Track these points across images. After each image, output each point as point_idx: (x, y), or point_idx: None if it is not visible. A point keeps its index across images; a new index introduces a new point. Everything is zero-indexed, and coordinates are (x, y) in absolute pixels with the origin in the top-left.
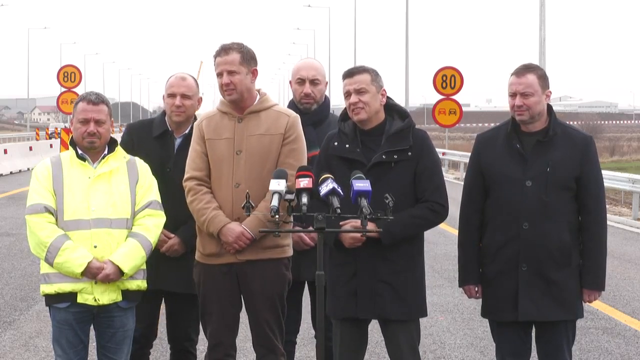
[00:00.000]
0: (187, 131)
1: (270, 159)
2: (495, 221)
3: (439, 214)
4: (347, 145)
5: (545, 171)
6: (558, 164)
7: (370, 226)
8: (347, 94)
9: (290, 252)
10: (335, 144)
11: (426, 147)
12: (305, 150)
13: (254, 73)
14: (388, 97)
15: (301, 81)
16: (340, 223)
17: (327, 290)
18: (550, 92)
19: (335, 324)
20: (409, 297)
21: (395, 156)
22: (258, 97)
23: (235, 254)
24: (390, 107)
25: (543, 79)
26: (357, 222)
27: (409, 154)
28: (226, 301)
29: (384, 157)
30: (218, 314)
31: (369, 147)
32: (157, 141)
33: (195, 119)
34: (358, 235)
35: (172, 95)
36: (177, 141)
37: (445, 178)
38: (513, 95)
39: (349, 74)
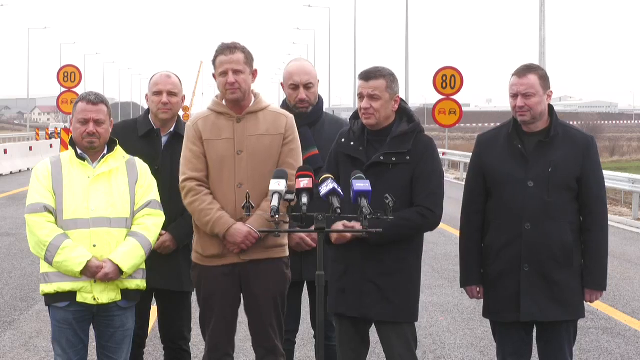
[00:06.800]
0: (172, 129)
1: (272, 159)
2: (497, 222)
3: (428, 220)
4: (352, 143)
5: (547, 171)
6: (560, 164)
7: (358, 226)
8: (360, 96)
9: (287, 250)
10: (343, 140)
11: (428, 154)
12: (301, 150)
13: (254, 74)
14: (402, 100)
15: (295, 87)
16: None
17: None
18: (552, 92)
19: (336, 322)
20: (396, 299)
21: (394, 159)
22: (253, 98)
23: (238, 255)
24: (402, 110)
25: (544, 79)
26: (350, 223)
27: (407, 157)
28: (226, 302)
29: (381, 158)
30: (218, 315)
31: (373, 147)
32: (143, 140)
33: (179, 117)
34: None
35: (158, 93)
36: (164, 139)
37: (445, 178)
38: (514, 95)
39: (366, 77)
